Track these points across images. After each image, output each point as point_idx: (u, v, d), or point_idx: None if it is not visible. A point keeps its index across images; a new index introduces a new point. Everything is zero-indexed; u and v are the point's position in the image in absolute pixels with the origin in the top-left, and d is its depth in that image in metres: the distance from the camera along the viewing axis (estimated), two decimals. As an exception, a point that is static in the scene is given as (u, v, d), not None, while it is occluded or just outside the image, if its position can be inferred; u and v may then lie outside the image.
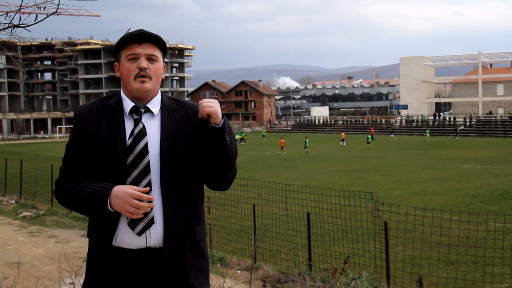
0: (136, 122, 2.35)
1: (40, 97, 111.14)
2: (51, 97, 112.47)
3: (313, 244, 9.42)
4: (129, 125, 2.36)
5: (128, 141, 2.31)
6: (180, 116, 2.42)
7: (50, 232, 12.22)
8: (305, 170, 29.30)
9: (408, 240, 9.53)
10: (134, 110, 2.38)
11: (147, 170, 2.29)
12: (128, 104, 2.39)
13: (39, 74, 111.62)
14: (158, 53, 2.41)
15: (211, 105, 2.30)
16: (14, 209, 15.58)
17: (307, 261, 9.13)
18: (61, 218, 13.92)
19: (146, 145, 2.31)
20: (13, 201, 17.15)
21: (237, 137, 57.21)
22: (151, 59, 2.38)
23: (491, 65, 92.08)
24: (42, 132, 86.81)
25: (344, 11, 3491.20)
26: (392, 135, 61.55)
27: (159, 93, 2.47)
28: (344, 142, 50.64)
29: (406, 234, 9.23)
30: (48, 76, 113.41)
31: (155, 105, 2.41)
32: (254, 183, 11.17)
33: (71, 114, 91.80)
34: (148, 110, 2.39)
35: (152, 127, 2.36)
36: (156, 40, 2.40)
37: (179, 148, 2.35)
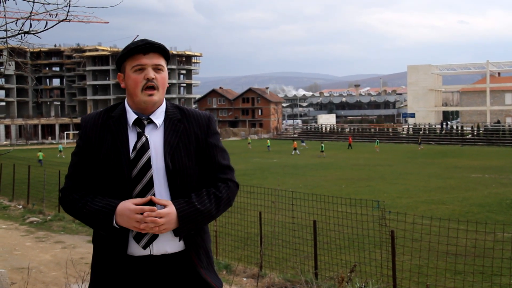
0: (139, 135, 2.34)
1: (48, 103, 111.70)
2: (59, 103, 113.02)
3: (319, 252, 9.37)
4: (132, 138, 2.35)
5: (132, 155, 2.31)
6: (184, 127, 2.40)
7: (57, 238, 12.24)
8: (311, 178, 29.26)
9: (415, 249, 9.49)
10: (137, 122, 2.37)
11: (150, 184, 2.30)
12: (131, 116, 2.38)
13: (47, 80, 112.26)
14: (163, 62, 2.40)
15: (160, 229, 2.24)
16: (22, 214, 15.63)
17: (313, 269, 9.10)
18: (67, 223, 13.95)
19: (149, 159, 2.30)
20: (20, 206, 17.22)
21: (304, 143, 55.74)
22: (157, 68, 2.37)
23: (499, 74, 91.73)
24: (50, 137, 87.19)
25: (348, 20, 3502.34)
26: (303, 144, 60.10)
27: (164, 102, 2.46)
28: (297, 151, 50.63)
29: (413, 243, 9.18)
30: (56, 82, 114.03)
31: (158, 116, 2.40)
32: (261, 190, 11.15)
33: (78, 120, 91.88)
34: (151, 122, 2.38)
35: (156, 139, 2.35)
36: (160, 50, 2.39)
37: (182, 161, 2.34)
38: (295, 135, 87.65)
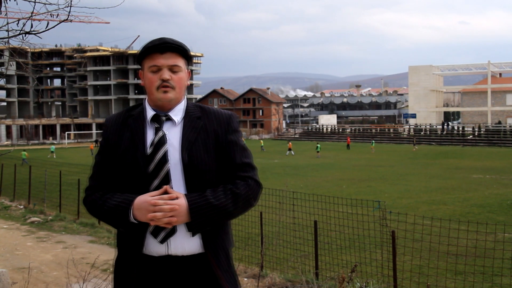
0: (157, 130, 2.35)
1: (49, 103, 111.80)
2: (60, 103, 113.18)
3: (320, 252, 9.38)
4: (150, 134, 2.36)
5: (149, 150, 2.31)
6: (203, 124, 2.40)
7: (58, 238, 12.26)
8: (312, 178, 29.27)
9: (416, 249, 9.49)
10: (155, 119, 2.38)
11: (167, 178, 2.30)
12: (150, 113, 2.40)
13: (48, 80, 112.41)
14: (180, 62, 2.38)
15: (172, 220, 2.22)
16: (23, 215, 15.65)
17: (314, 269, 9.10)
18: (69, 223, 13.96)
19: (165, 154, 2.30)
20: (21, 207, 17.23)
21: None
22: (174, 69, 2.37)
23: (500, 74, 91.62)
24: (51, 138, 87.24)
25: (349, 20, 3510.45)
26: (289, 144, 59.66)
27: (184, 100, 2.45)
28: (292, 151, 50.48)
29: (413, 244, 9.18)
30: (57, 82, 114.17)
31: (177, 113, 2.40)
32: (262, 191, 11.15)
33: (79, 120, 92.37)
34: (169, 119, 2.38)
35: (174, 135, 2.35)
36: (178, 49, 2.38)
37: (200, 156, 2.33)
38: (296, 136, 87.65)
